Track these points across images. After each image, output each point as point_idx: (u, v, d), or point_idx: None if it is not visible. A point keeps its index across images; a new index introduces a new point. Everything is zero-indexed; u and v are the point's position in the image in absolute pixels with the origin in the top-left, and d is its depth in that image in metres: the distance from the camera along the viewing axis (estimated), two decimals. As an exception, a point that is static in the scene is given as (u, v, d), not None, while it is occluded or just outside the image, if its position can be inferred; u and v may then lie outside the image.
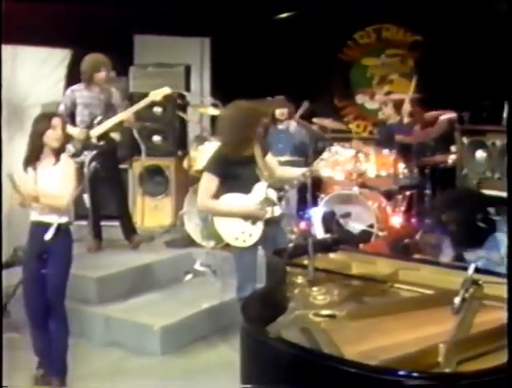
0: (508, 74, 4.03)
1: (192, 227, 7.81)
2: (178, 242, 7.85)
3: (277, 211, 5.54)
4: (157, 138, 8.83)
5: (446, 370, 2.88)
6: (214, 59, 10.13)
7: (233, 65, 9.77)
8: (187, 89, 8.77)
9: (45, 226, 5.14)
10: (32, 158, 5.21)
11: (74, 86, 7.52)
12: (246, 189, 5.47)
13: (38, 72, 8.62)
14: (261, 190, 5.47)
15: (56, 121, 5.17)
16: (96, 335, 6.33)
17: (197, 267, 7.30)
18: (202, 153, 7.86)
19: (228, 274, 6.98)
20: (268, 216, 5.46)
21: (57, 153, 5.21)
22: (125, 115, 7.39)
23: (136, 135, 8.29)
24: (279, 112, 8.28)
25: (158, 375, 5.70)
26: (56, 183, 5.14)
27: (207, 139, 7.99)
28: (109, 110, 7.49)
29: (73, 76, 8.78)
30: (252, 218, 5.43)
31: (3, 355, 4.81)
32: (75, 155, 6.83)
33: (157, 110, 8.66)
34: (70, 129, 7.05)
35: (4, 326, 5.87)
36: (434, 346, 3.02)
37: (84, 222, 7.69)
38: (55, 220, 5.15)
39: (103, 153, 7.26)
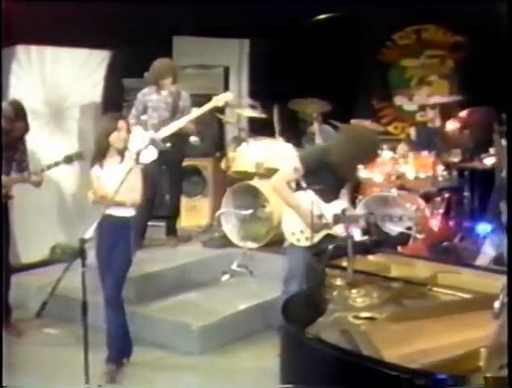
0: (508, 74, 4.02)
1: (229, 228, 7.82)
2: (215, 243, 7.86)
3: (341, 231, 5.50)
4: (194, 139, 8.85)
5: (488, 375, 2.86)
6: (252, 60, 10.13)
7: (272, 67, 9.77)
8: (226, 90, 8.77)
9: (115, 220, 5.44)
10: (99, 157, 5.55)
11: (145, 90, 7.67)
12: (326, 197, 5.46)
13: (77, 73, 8.70)
14: (338, 206, 5.47)
15: (121, 124, 5.52)
16: (134, 334, 6.35)
17: (234, 267, 7.30)
18: (239, 154, 7.89)
19: (266, 275, 7.02)
20: (328, 231, 5.46)
21: (122, 152, 5.55)
22: (188, 119, 7.47)
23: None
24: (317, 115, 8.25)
25: (196, 374, 5.73)
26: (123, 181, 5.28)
27: (244, 140, 8.01)
28: (176, 112, 7.57)
29: (113, 77, 8.90)
30: (320, 223, 5.41)
31: (3, 355, 4.96)
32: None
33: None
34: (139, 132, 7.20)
35: (39, 323, 5.96)
36: (475, 350, 3.01)
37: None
38: (124, 214, 5.50)
39: (168, 154, 7.29)
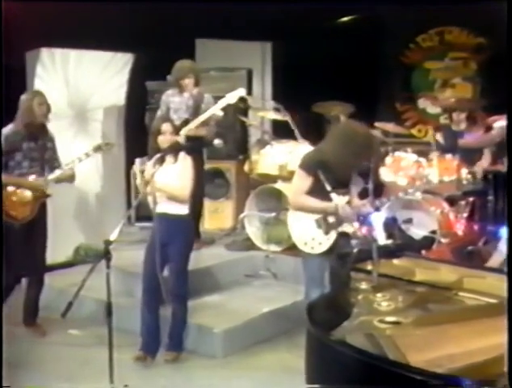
0: (508, 75, 3.99)
1: (253, 231, 7.83)
2: (238, 245, 7.87)
3: (349, 227, 5.50)
4: (218, 142, 8.85)
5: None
6: (275, 63, 10.14)
7: (295, 69, 9.77)
8: (249, 93, 8.77)
9: (170, 218, 5.77)
10: (152, 156, 5.86)
11: (168, 91, 7.76)
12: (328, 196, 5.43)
13: (101, 76, 8.73)
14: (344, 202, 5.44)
15: (165, 127, 5.87)
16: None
17: (257, 270, 7.31)
18: (263, 157, 7.89)
19: (289, 278, 7.02)
20: (344, 229, 5.43)
21: (175, 152, 5.86)
22: (203, 118, 7.49)
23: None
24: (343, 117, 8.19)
25: (219, 377, 5.72)
26: (176, 179, 5.80)
27: (268, 143, 8.01)
28: (198, 114, 7.55)
29: (136, 80, 8.94)
30: (327, 225, 5.40)
31: (3, 355, 4.92)
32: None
33: (219, 113, 8.68)
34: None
35: (63, 324, 5.99)
36: (501, 355, 2.99)
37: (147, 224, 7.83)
38: (177, 211, 5.81)
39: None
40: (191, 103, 7.63)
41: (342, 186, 5.44)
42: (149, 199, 5.79)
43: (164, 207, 5.77)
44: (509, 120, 5.97)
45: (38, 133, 6.40)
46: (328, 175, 5.35)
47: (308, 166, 5.46)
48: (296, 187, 5.55)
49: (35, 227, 6.38)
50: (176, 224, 5.83)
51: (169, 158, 5.84)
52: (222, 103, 7.52)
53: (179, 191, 5.78)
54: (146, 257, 5.88)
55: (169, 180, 5.77)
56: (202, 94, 7.70)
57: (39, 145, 6.38)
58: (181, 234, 5.88)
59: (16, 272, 6.49)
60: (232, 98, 7.55)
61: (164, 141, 5.81)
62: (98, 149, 6.57)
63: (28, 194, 6.29)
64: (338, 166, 5.36)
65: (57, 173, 6.39)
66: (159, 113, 7.66)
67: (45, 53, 8.27)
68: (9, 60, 7.71)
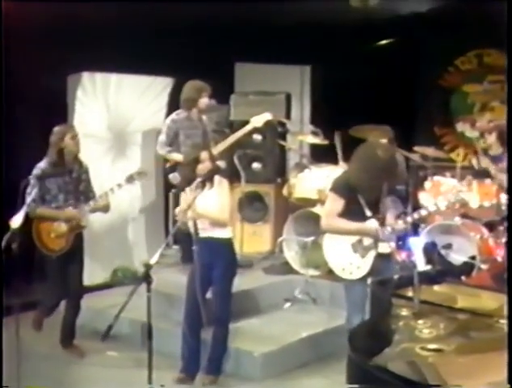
0: (508, 75, 3.98)
1: (291, 255, 7.83)
2: (276, 269, 7.87)
3: (386, 248, 5.47)
4: (256, 165, 8.87)
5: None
6: (314, 87, 10.16)
7: (333, 93, 9.78)
8: (288, 117, 8.80)
9: (213, 241, 5.82)
10: (184, 185, 5.89)
11: (173, 116, 7.66)
12: (362, 218, 5.43)
13: (140, 99, 8.84)
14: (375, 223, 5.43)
15: (204, 155, 5.91)
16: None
17: (296, 294, 7.29)
18: (301, 181, 7.89)
19: (328, 302, 7.00)
20: (381, 250, 5.41)
21: (210, 178, 5.86)
22: (231, 141, 7.53)
23: (236, 161, 8.35)
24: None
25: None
26: (215, 203, 5.82)
27: (306, 167, 8.01)
28: (206, 138, 7.62)
29: (175, 104, 9.01)
30: (363, 248, 5.39)
31: (3, 357, 5.04)
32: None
33: (257, 137, 8.69)
34: (177, 157, 7.24)
35: (101, 345, 6.02)
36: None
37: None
38: (219, 235, 5.85)
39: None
40: (201, 126, 7.66)
41: (372, 207, 5.43)
42: (190, 224, 5.79)
43: (206, 232, 5.81)
44: (510, 119, 5.93)
45: (72, 166, 6.49)
46: (356, 197, 5.36)
47: (338, 188, 5.50)
48: (328, 210, 5.58)
49: (72, 256, 6.53)
50: (218, 247, 5.87)
51: (205, 184, 5.84)
52: (248, 127, 7.57)
53: (219, 214, 5.81)
54: (189, 281, 5.90)
55: (209, 205, 5.80)
56: (203, 117, 7.74)
57: (73, 178, 6.50)
58: (224, 257, 5.91)
59: (55, 298, 6.66)
60: (257, 122, 7.58)
61: (204, 168, 5.84)
62: (130, 179, 6.57)
63: (64, 226, 6.42)
64: (362, 189, 5.38)
65: (92, 204, 6.49)
66: (163, 138, 7.56)
67: (86, 77, 8.38)
68: (51, 84, 7.89)
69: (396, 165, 5.55)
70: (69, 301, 6.65)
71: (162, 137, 7.58)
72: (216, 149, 7.43)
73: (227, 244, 5.96)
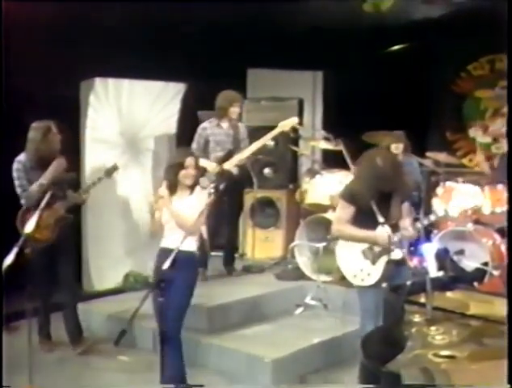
0: (508, 75, 3.97)
1: (303, 260, 7.81)
2: (288, 275, 7.86)
3: (397, 254, 5.45)
4: (268, 171, 8.88)
5: None
6: (326, 92, 10.15)
7: (346, 98, 9.77)
8: (300, 122, 8.80)
9: (170, 253, 5.20)
10: (168, 189, 5.58)
11: (205, 124, 7.80)
12: (375, 224, 5.41)
13: (153, 105, 8.85)
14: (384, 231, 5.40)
15: (188, 161, 5.58)
16: (206, 364, 6.39)
17: (308, 300, 7.27)
18: (313, 187, 7.89)
19: (339, 308, 6.97)
20: (392, 257, 5.38)
21: (191, 187, 5.61)
22: (255, 147, 7.55)
23: (249, 167, 8.36)
24: (394, 147, 8.03)
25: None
26: (189, 211, 5.47)
27: (318, 172, 8.01)
28: (237, 144, 7.71)
29: (187, 109, 9.03)
30: (374, 254, 5.38)
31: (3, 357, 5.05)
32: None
33: (270, 143, 8.69)
34: (205, 163, 7.27)
35: (112, 350, 6.02)
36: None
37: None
38: (178, 246, 5.23)
39: (231, 184, 7.35)
40: (232, 133, 7.72)
41: (385, 214, 5.40)
42: (156, 215, 5.61)
43: (166, 242, 5.59)
44: (510, 119, 5.90)
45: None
46: (368, 204, 5.34)
47: (345, 195, 5.52)
48: (337, 216, 5.60)
49: (61, 249, 6.60)
50: (183, 260, 5.33)
51: (183, 191, 5.61)
52: (275, 132, 7.59)
53: (186, 219, 5.45)
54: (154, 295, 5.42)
55: (181, 209, 5.50)
56: (237, 124, 7.81)
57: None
58: (187, 272, 5.50)
59: (45, 292, 6.73)
60: (285, 126, 7.61)
61: (187, 175, 5.55)
62: (108, 173, 6.91)
63: (50, 218, 6.44)
64: (364, 197, 5.35)
65: (71, 199, 6.62)
66: (194, 145, 7.65)
67: (99, 83, 8.40)
68: (63, 89, 7.91)
69: (399, 172, 5.53)
70: (64, 295, 6.71)
71: (194, 145, 7.69)
72: (244, 155, 7.59)
73: (184, 260, 5.38)
